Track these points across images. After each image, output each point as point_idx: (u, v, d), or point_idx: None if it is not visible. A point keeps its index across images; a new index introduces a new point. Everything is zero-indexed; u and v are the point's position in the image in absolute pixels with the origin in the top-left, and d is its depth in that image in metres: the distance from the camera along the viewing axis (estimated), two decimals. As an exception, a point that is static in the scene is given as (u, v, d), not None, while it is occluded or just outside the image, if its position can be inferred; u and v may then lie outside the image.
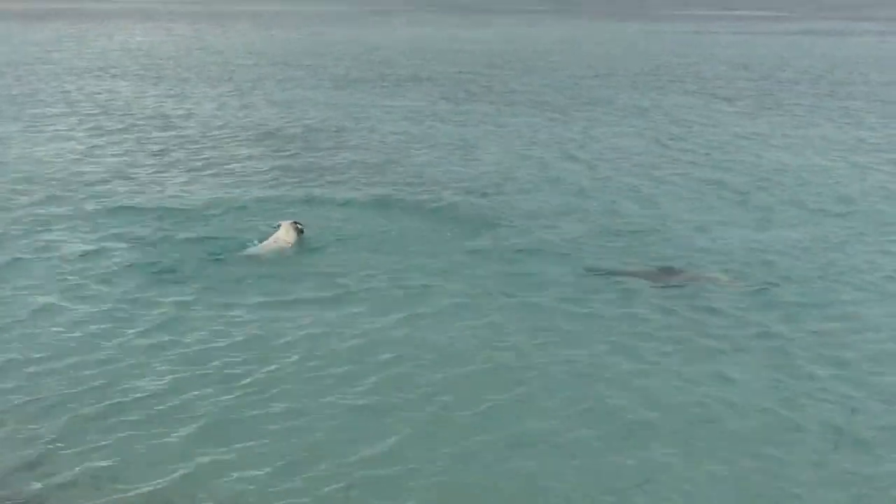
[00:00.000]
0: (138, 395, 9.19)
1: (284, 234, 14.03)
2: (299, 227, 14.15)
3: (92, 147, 21.91)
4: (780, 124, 26.40)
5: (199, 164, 20.18)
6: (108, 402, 9.01)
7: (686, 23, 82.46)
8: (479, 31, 70.04)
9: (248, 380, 9.52)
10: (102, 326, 10.85)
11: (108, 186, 17.83)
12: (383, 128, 25.15)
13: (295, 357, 10.08)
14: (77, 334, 10.63)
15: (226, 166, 19.96)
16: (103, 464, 7.95)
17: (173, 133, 24.01)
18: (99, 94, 31.48)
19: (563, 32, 68.88)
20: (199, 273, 12.83)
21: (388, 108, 28.97)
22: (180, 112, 27.65)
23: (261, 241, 14.09)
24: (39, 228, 14.84)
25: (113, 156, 20.92)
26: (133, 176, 18.88)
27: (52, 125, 24.88)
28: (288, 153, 21.54)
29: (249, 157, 20.99)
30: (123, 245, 14.02)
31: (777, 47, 55.09)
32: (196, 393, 9.23)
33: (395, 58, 46.37)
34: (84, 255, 13.48)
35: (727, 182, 18.80)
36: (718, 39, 61.88)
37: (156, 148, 21.94)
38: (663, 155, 21.73)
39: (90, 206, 16.22)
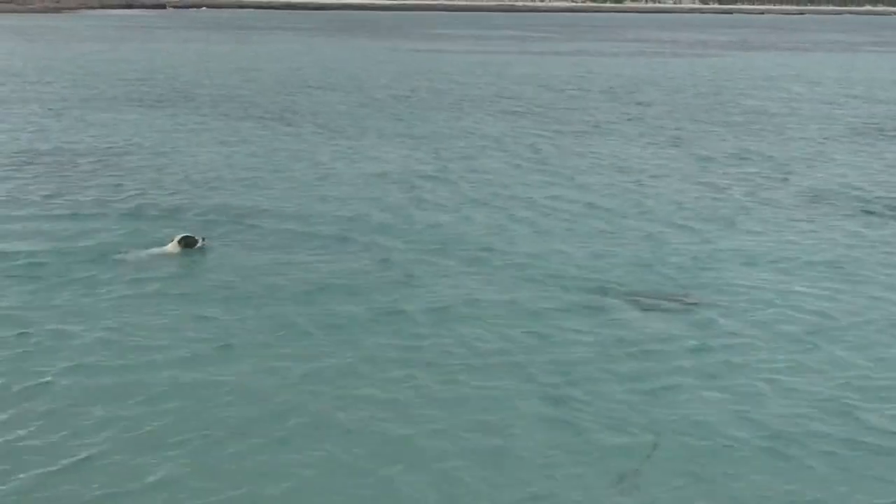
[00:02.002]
0: None
1: (172, 249, 15.43)
2: (191, 240, 15.59)
3: None
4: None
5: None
6: None
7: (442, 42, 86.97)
8: (237, 48, 71.36)
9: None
10: None
11: None
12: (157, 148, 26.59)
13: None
14: None
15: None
16: None
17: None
18: None
19: (326, 51, 71.39)
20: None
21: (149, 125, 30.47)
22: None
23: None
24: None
25: None
26: None
27: None
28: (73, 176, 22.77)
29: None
30: None
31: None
32: None
33: (154, 76, 47.31)
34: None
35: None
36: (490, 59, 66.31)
37: None
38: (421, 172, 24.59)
39: None
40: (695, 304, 13.84)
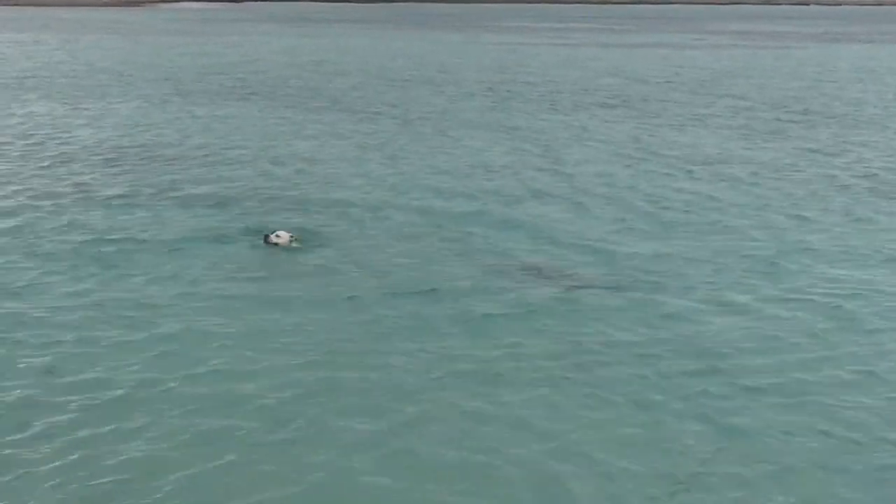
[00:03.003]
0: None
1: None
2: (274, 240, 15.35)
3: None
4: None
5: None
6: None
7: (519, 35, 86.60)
8: (316, 42, 71.84)
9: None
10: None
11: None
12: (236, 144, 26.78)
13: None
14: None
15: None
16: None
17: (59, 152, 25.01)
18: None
19: (402, 44, 71.53)
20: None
21: (227, 119, 30.72)
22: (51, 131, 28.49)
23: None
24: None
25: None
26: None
27: None
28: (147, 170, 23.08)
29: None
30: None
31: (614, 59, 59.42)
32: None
33: (239, 70, 47.80)
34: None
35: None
36: (559, 51, 65.83)
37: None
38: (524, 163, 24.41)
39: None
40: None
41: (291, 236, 15.45)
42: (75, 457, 8.87)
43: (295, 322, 12.27)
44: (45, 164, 22.37)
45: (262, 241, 15.27)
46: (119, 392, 10.19)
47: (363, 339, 11.80)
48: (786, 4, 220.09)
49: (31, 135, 26.43)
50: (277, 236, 15.33)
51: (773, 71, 51.83)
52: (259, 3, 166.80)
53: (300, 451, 9.07)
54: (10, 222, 16.85)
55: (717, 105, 35.99)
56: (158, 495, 8.30)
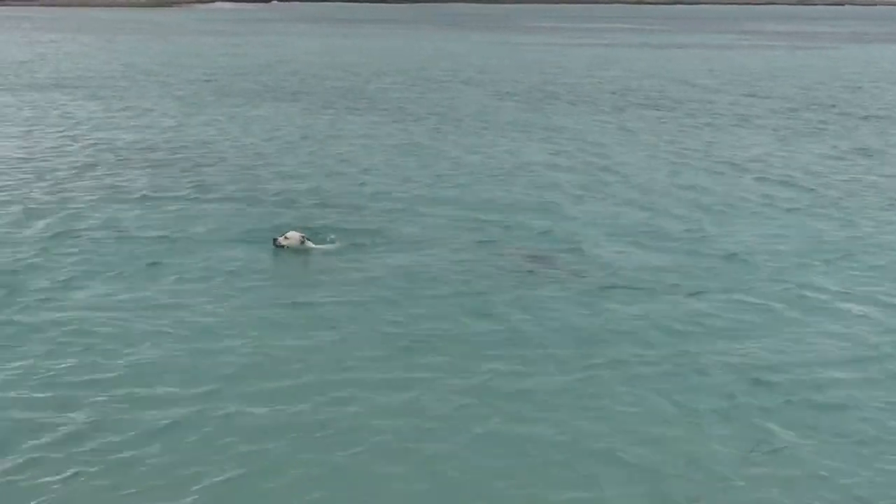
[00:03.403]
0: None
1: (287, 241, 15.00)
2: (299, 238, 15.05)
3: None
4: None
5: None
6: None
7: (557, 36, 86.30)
8: (348, 42, 72.01)
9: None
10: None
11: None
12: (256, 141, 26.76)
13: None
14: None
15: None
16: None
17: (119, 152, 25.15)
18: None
19: (435, 44, 71.50)
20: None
21: (267, 119, 30.75)
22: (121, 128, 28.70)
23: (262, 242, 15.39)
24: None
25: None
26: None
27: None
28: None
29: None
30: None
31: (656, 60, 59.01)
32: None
33: (274, 70, 47.97)
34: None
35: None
36: (602, 52, 65.52)
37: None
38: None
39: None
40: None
41: (303, 236, 15.13)
42: (103, 452, 8.85)
43: (321, 322, 12.19)
44: (84, 162, 22.41)
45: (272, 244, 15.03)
46: (152, 389, 10.13)
47: (395, 340, 11.61)
48: (821, 5, 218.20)
49: (69, 134, 26.50)
50: (286, 238, 15.06)
51: (813, 71, 51.18)
52: (288, 3, 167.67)
53: (332, 451, 8.97)
54: (47, 219, 16.88)
55: (759, 106, 35.47)
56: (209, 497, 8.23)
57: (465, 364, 10.88)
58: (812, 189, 20.70)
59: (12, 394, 10.02)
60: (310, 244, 15.06)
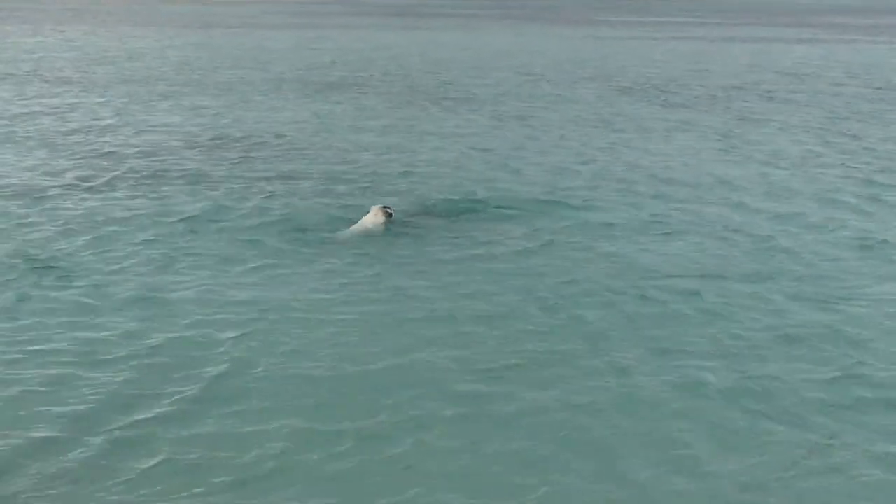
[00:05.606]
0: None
1: (373, 218, 15.71)
2: (388, 211, 15.75)
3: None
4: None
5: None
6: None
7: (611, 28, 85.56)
8: (419, 35, 71.96)
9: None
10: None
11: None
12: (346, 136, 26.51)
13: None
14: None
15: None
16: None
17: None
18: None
19: (504, 38, 71.26)
20: (293, 255, 14.60)
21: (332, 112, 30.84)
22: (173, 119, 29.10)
23: (349, 226, 15.85)
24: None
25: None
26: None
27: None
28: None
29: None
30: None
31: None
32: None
33: (342, 63, 48.03)
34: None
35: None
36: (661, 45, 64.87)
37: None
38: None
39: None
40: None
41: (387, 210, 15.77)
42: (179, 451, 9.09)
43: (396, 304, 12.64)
44: (145, 152, 22.92)
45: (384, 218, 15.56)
46: (233, 380, 10.46)
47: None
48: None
49: (124, 126, 26.89)
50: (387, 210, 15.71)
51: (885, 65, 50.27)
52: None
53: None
54: (109, 211, 17.18)
55: (831, 102, 35.01)
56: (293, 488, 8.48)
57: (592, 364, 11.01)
58: (871, 178, 21.13)
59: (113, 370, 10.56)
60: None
